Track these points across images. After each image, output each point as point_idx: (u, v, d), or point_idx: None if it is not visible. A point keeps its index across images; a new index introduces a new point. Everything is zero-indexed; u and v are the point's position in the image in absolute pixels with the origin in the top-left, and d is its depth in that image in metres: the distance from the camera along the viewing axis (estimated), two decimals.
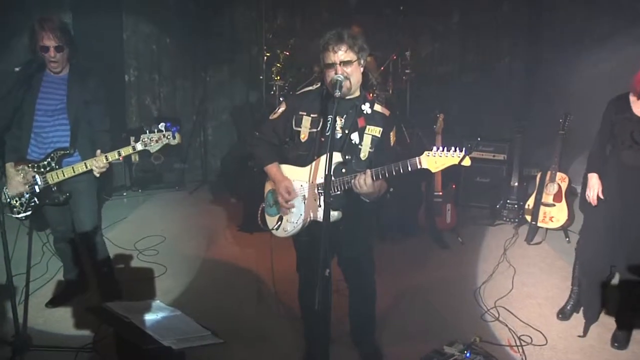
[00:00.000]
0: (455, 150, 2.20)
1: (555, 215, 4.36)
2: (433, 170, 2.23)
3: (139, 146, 2.77)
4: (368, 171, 2.30)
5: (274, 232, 2.66)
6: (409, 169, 2.25)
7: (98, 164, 2.86)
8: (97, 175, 2.92)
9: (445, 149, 2.21)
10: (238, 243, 4.55)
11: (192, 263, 4.11)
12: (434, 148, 2.22)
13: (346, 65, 2.36)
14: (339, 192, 2.41)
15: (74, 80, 3.01)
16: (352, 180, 2.33)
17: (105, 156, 2.86)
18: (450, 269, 4.04)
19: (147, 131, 2.78)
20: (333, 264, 2.68)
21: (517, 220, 4.75)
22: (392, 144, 2.53)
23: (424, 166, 2.23)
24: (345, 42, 2.35)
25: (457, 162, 2.20)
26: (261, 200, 2.80)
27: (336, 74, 2.34)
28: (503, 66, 5.81)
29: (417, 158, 2.24)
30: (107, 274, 3.35)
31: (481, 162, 5.13)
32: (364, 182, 2.30)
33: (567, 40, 5.24)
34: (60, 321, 3.21)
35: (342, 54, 2.35)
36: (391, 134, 2.52)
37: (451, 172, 4.75)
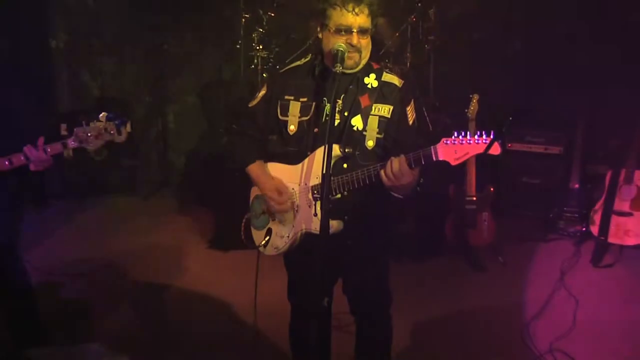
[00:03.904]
0: (481, 136, 2.17)
1: (633, 228, 4.35)
2: (452, 163, 2.20)
3: (72, 143, 2.76)
4: (402, 156, 2.28)
5: (261, 249, 2.67)
6: (423, 162, 2.24)
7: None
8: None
9: (468, 134, 2.18)
10: (208, 264, 4.56)
11: (147, 292, 4.12)
12: (455, 134, 2.19)
13: (363, 35, 2.38)
14: (339, 196, 2.42)
15: None
16: (382, 171, 2.29)
17: (25, 154, 2.84)
18: (488, 299, 4.04)
19: (84, 123, 2.76)
20: (335, 290, 2.69)
21: (578, 234, 4.76)
22: (410, 122, 2.52)
23: (440, 158, 2.21)
24: (367, 4, 2.36)
25: (482, 151, 2.17)
26: (239, 207, 2.80)
27: (350, 42, 2.36)
28: (561, 29, 5.79)
29: (431, 148, 2.22)
30: (26, 311, 3.30)
31: (529, 156, 5.11)
32: (399, 169, 2.25)
33: None
34: None
35: (363, 17, 2.35)
36: (408, 109, 2.51)
37: (488, 170, 4.80)
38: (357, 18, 2.35)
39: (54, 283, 4.14)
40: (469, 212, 4.54)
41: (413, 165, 2.26)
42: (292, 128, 2.53)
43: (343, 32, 2.37)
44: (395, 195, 2.41)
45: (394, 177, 2.28)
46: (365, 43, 2.41)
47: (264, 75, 5.44)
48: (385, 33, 5.18)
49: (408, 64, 5.36)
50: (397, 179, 2.28)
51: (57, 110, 6.01)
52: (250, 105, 2.65)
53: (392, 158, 2.29)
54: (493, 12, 5.90)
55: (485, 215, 4.56)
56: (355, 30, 2.35)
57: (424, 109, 5.08)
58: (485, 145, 2.16)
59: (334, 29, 2.38)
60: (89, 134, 2.73)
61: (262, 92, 2.63)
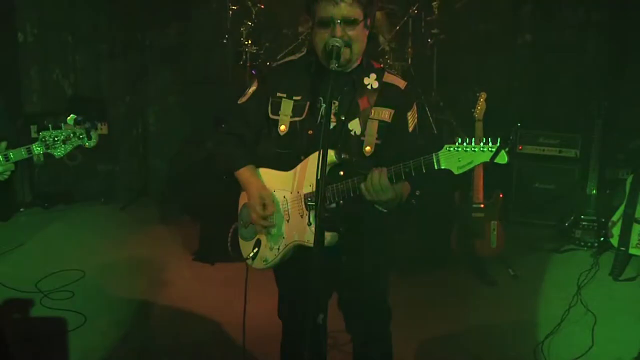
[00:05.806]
0: (487, 143, 2.19)
1: None
2: (456, 172, 2.22)
3: (38, 148, 2.77)
4: (384, 169, 2.31)
5: (249, 262, 2.67)
6: (423, 170, 2.25)
7: None
8: None
9: (473, 141, 2.19)
10: (193, 278, 4.57)
11: (125, 309, 4.11)
12: (458, 140, 2.20)
13: (349, 26, 2.39)
14: (333, 205, 2.43)
15: None
16: (362, 184, 2.34)
17: None
18: (497, 315, 4.05)
19: (50, 127, 2.77)
20: (331, 307, 2.70)
21: (596, 244, 4.78)
22: (410, 129, 2.54)
23: (443, 166, 2.23)
24: None
25: (487, 160, 2.19)
26: (226, 217, 2.80)
27: (333, 36, 2.37)
28: (577, 21, 5.81)
29: (432, 155, 2.23)
30: None
31: (542, 160, 5.13)
32: (379, 183, 2.29)
33: None
34: None
35: (345, 7, 2.37)
36: (409, 114, 2.54)
37: (498, 175, 4.78)
38: (339, 8, 2.36)
39: (22, 300, 4.13)
40: (476, 221, 4.56)
41: (394, 180, 2.27)
42: (282, 128, 2.53)
43: (326, 25, 2.39)
44: (379, 208, 2.41)
45: (373, 191, 2.29)
46: (355, 35, 2.40)
47: (253, 72, 5.46)
48: (383, 27, 5.20)
49: (409, 60, 5.37)
50: (377, 193, 2.29)
51: (25, 111, 5.99)
52: (239, 103, 2.65)
53: (374, 170, 2.30)
54: (501, 3, 5.93)
55: (494, 223, 4.57)
56: (338, 21, 2.37)
57: (427, 110, 5.10)
58: (491, 153, 2.18)
59: (317, 22, 2.41)
60: (55, 139, 2.74)
61: (253, 88, 2.63)
